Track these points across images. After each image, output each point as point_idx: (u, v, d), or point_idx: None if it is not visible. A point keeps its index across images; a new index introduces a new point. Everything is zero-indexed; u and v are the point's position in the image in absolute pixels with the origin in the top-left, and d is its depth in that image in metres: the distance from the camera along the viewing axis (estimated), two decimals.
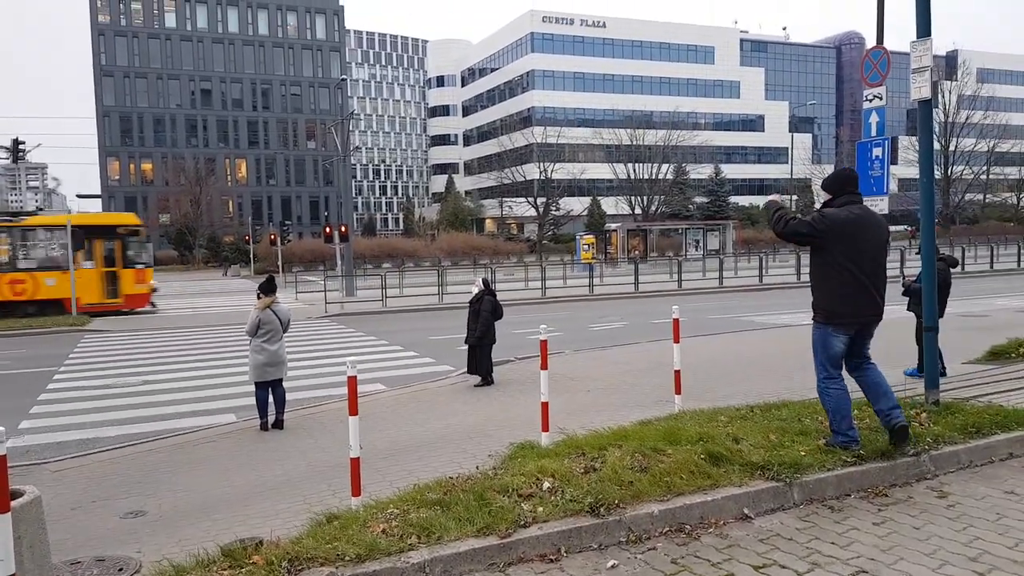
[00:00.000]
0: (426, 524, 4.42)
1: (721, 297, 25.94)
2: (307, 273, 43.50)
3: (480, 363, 10.65)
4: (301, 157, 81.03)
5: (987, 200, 76.07)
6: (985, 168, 69.69)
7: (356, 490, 5.22)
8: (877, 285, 5.63)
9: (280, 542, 4.33)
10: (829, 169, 60.60)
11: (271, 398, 8.82)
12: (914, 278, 9.66)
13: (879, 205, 12.37)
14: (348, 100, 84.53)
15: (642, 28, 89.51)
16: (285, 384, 9.04)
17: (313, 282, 34.97)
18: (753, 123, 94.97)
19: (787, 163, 72.09)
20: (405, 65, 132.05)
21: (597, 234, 52.31)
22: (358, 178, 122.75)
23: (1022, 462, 5.88)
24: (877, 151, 12.27)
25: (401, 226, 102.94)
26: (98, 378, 12.99)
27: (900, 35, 29.75)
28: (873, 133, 12.14)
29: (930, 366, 7.02)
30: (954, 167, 66.46)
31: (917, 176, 8.00)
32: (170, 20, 75.73)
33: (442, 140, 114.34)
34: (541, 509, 4.60)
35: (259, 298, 8.94)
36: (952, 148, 65.27)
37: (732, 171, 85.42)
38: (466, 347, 10.87)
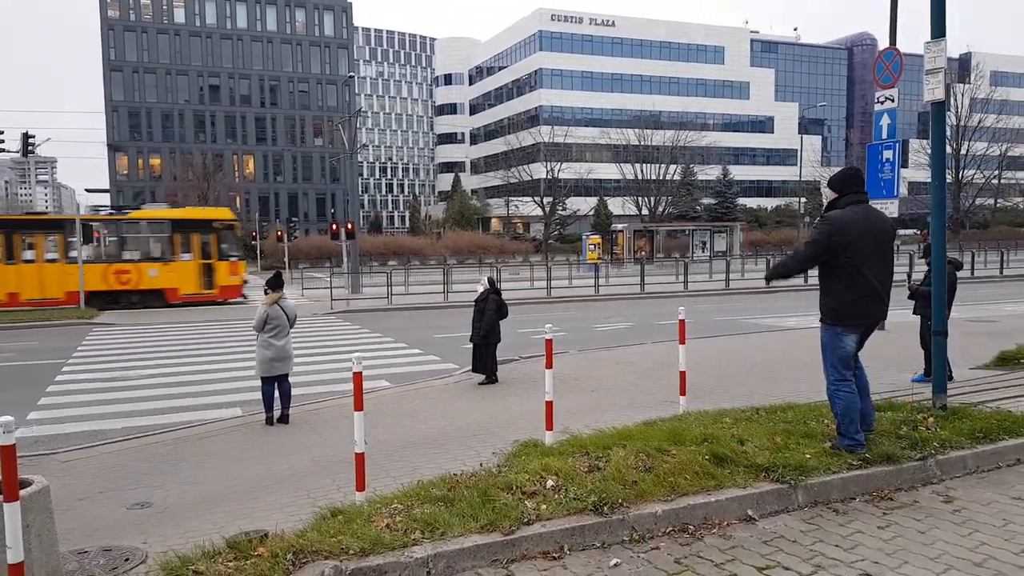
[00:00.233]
0: (430, 520, 4.43)
1: (728, 299, 25.89)
2: (313, 270, 43.58)
3: (485, 362, 10.66)
4: (308, 154, 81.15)
5: (998, 205, 75.66)
6: (997, 172, 69.30)
7: (360, 485, 5.24)
8: (884, 286, 5.64)
9: (285, 535, 4.34)
10: None
11: (277, 393, 8.86)
12: (920, 281, 9.64)
13: (889, 208, 12.38)
14: (355, 97, 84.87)
15: (651, 27, 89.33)
16: (291, 379, 9.08)
17: (319, 279, 35.08)
18: (762, 124, 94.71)
19: (796, 165, 71.84)
20: (413, 63, 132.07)
21: (603, 234, 52.34)
22: (365, 175, 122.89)
23: None
24: (888, 153, 12.26)
25: (407, 224, 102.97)
26: (106, 371, 13.05)
27: (912, 38, 29.60)
28: (884, 135, 12.13)
29: (938, 371, 6.98)
30: (965, 171, 66.10)
31: (927, 179, 7.98)
32: (179, 15, 75.90)
33: (449, 138, 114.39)
34: (545, 507, 4.60)
35: (266, 294, 8.98)
36: (964, 152, 64.93)
37: (740, 172, 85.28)
38: (471, 345, 10.88)
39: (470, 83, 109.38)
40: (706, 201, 76.73)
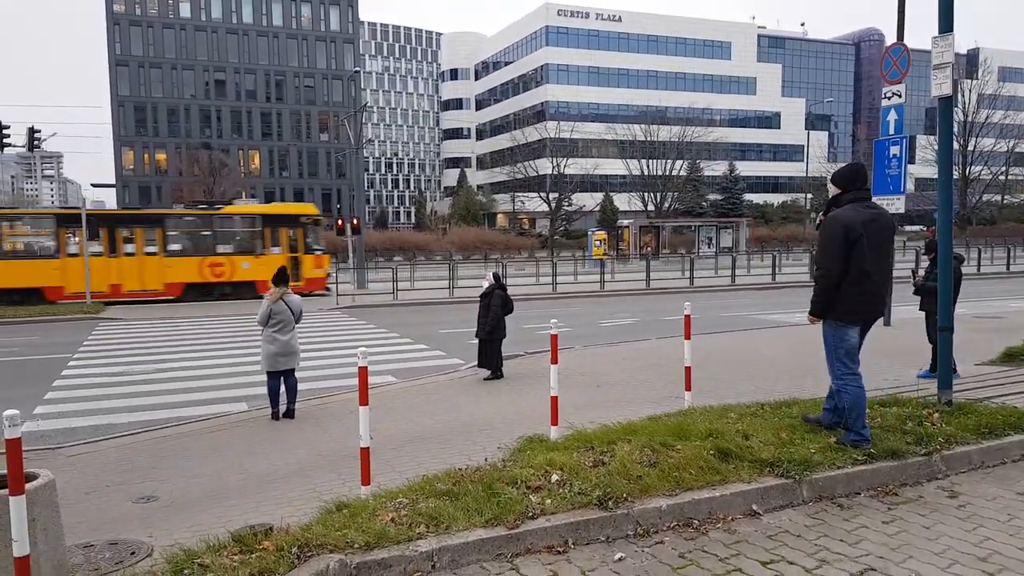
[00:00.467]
0: (435, 514, 4.44)
1: (733, 295, 25.84)
2: None
3: (490, 357, 10.66)
4: (314, 149, 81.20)
5: (1005, 201, 75.36)
6: (1004, 169, 68.98)
7: (366, 479, 5.25)
8: (884, 282, 5.73)
9: (290, 529, 4.36)
10: None
11: (283, 387, 8.87)
12: (925, 276, 9.60)
13: (896, 204, 12.32)
14: (361, 92, 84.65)
15: (658, 23, 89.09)
16: (296, 374, 9.09)
17: None
18: (769, 120, 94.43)
19: (803, 161, 71.65)
20: (419, 58, 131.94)
21: (609, 230, 52.26)
22: (370, 171, 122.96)
23: None
24: (895, 149, 12.20)
25: (413, 220, 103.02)
26: (112, 365, 13.10)
27: (920, 33, 29.41)
28: (891, 131, 12.07)
29: (944, 366, 6.98)
30: (972, 167, 65.82)
31: (934, 176, 7.96)
32: (185, 10, 75.94)
33: (455, 134, 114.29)
34: (549, 501, 4.61)
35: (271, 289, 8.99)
36: (971, 148, 64.65)
37: (747, 168, 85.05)
38: (476, 341, 10.89)
39: (476, 78, 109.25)
40: (712, 197, 76.57)
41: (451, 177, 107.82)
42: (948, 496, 5.16)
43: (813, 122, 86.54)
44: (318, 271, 26.85)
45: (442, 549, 4.13)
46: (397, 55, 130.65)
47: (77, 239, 23.93)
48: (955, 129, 53.52)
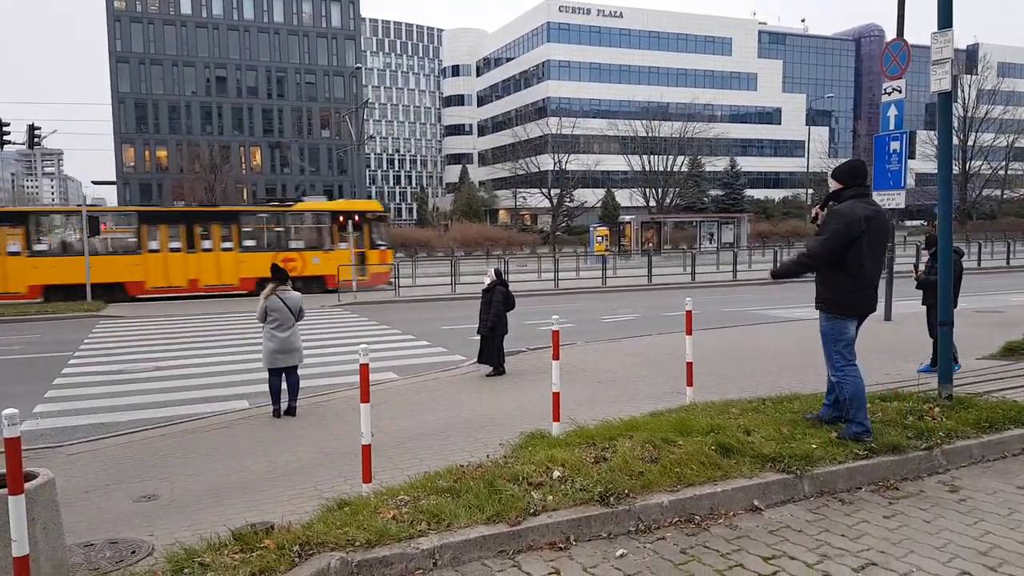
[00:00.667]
0: (436, 511, 4.43)
1: (735, 290, 25.82)
2: None
3: (492, 353, 10.66)
4: (315, 146, 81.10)
5: (1005, 196, 75.24)
6: (1004, 164, 68.86)
7: (367, 477, 5.25)
8: (878, 278, 5.81)
9: (291, 527, 4.36)
10: None
11: (284, 385, 8.85)
12: (926, 271, 9.59)
13: (896, 199, 12.31)
14: (363, 89, 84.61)
15: (659, 19, 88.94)
16: (298, 371, 9.06)
17: None
18: (770, 116, 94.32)
19: (803, 156, 71.55)
20: (420, 54, 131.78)
21: (611, 226, 52.25)
22: (372, 167, 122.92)
23: None
24: (895, 144, 12.19)
25: (414, 216, 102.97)
26: (112, 363, 13.10)
27: (920, 29, 29.35)
28: (891, 127, 12.07)
29: (944, 361, 6.98)
30: (972, 162, 65.71)
31: (934, 171, 7.95)
32: (185, 7, 75.79)
33: (456, 130, 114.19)
34: (551, 498, 4.61)
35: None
36: (971, 143, 64.53)
37: (748, 164, 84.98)
38: (478, 337, 10.89)
39: (478, 74, 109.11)
40: (713, 192, 76.50)
41: (453, 173, 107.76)
42: (949, 490, 5.16)
43: (814, 118, 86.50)
44: (383, 266, 27.58)
45: (444, 546, 4.13)
46: (399, 51, 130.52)
47: (159, 236, 24.80)
48: (955, 124, 53.57)
